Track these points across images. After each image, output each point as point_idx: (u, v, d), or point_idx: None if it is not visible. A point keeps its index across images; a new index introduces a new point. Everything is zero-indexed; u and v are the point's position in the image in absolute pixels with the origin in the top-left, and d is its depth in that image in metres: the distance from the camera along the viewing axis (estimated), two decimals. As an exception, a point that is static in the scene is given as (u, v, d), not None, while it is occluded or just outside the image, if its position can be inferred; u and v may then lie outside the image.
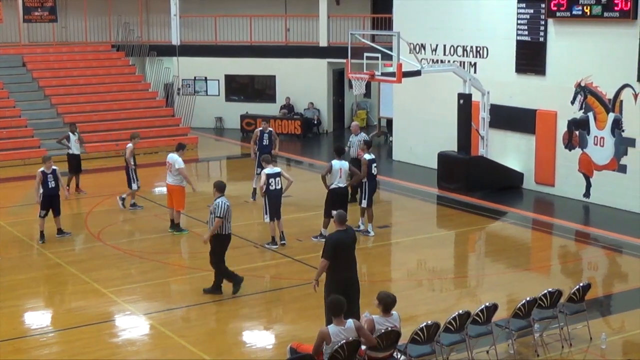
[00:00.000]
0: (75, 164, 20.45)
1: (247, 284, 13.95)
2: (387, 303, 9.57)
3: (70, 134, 20.51)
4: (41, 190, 16.25)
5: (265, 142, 19.58)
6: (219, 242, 13.22)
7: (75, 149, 20.43)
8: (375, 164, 16.75)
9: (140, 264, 15.09)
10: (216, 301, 13.04)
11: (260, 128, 19.85)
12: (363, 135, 18.92)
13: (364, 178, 16.54)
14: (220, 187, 13.39)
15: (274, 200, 15.67)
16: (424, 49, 23.29)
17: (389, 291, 10.11)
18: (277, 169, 15.82)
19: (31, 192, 22.19)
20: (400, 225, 18.01)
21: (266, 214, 15.79)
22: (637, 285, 14.05)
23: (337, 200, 16.00)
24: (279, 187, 15.70)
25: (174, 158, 16.77)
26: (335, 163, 16.05)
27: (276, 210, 15.75)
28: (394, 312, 9.65)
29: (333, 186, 16.03)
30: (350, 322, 9.39)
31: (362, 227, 16.77)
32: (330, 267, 10.84)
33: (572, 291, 11.23)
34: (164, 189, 17.74)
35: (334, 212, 11.41)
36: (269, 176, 15.55)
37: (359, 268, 14.97)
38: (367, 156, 16.63)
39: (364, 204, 16.71)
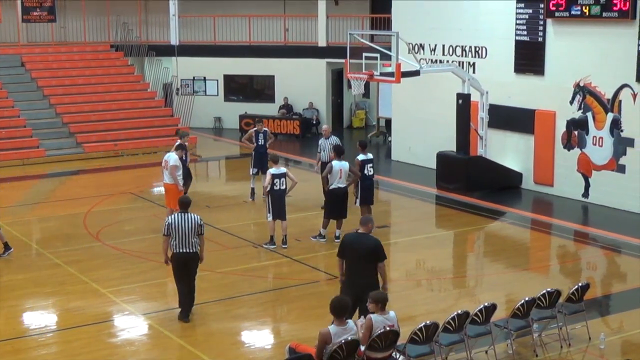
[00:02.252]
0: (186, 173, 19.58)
1: (246, 284, 13.98)
2: (380, 300, 9.49)
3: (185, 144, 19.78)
4: None
5: (261, 141, 19.61)
6: (172, 262, 12.16)
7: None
8: (370, 165, 16.71)
9: (139, 264, 15.08)
10: (215, 301, 13.03)
11: (255, 128, 19.86)
12: (334, 139, 18.37)
13: (356, 178, 16.58)
14: (179, 202, 12.29)
15: (277, 200, 15.66)
16: (423, 49, 23.30)
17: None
18: (282, 169, 15.81)
19: (30, 192, 22.32)
20: (399, 225, 18.00)
21: (269, 212, 15.78)
22: (636, 285, 14.05)
23: (336, 200, 16.02)
24: (283, 187, 15.68)
25: (171, 157, 16.76)
26: (336, 164, 16.05)
27: (279, 211, 15.72)
28: (391, 311, 9.64)
29: (333, 186, 16.03)
30: (351, 322, 9.40)
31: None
32: (346, 271, 10.89)
33: (571, 291, 11.23)
34: (163, 189, 17.73)
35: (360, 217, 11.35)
36: (274, 176, 15.55)
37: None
38: (360, 156, 16.63)
39: (357, 203, 16.74)
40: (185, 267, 12.11)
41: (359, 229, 11.12)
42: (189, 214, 12.05)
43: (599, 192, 19.05)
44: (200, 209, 18.15)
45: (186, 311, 12.26)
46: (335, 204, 16.12)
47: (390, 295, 10.15)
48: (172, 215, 12.12)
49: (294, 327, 12.21)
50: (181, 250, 11.96)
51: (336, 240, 16.14)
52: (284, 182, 15.68)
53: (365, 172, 16.59)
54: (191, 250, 12.01)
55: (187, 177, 18.45)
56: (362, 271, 10.74)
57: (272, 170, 15.67)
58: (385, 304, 9.55)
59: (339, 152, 16.35)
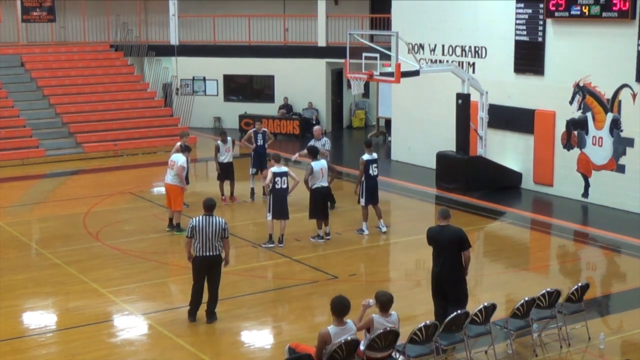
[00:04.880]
0: (224, 172, 19.27)
1: (246, 284, 13.98)
2: (382, 302, 9.57)
3: (221, 143, 19.22)
4: None
5: (260, 142, 19.69)
6: (192, 264, 12.01)
7: (225, 157, 19.21)
8: (375, 165, 16.74)
9: (139, 264, 15.08)
10: (214, 301, 13.03)
11: (254, 129, 19.93)
12: (325, 140, 18.55)
13: (360, 178, 16.64)
14: (204, 205, 12.05)
15: (279, 199, 15.67)
16: (423, 49, 23.30)
17: (387, 291, 10.10)
18: (284, 169, 15.82)
19: (30, 192, 22.31)
20: (398, 225, 18.00)
21: (269, 211, 15.78)
22: (636, 285, 14.04)
23: (319, 199, 16.07)
24: (284, 186, 15.70)
25: (178, 157, 16.78)
26: (315, 164, 16.06)
27: (281, 210, 15.74)
28: (393, 312, 9.65)
29: (316, 186, 16.07)
30: (350, 322, 9.40)
31: (378, 227, 16.93)
32: (433, 261, 11.30)
33: (571, 291, 11.23)
34: (163, 189, 17.73)
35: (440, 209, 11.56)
36: (275, 175, 15.57)
37: (358, 268, 15.09)
38: (365, 156, 16.65)
39: (362, 202, 16.76)
40: (208, 270, 11.92)
41: (440, 223, 11.34)
42: (214, 217, 11.86)
43: (598, 192, 19.05)
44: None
45: (196, 311, 12.13)
46: (318, 203, 16.13)
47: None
48: (197, 218, 11.87)
49: (293, 327, 12.20)
50: (204, 254, 11.78)
51: (327, 237, 16.18)
52: (286, 181, 15.70)
53: (370, 172, 16.62)
54: (214, 254, 11.83)
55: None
56: (447, 262, 11.11)
57: (274, 168, 15.68)
58: (386, 305, 9.56)
59: (314, 153, 16.39)
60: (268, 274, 14.87)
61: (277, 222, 15.86)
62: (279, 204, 15.70)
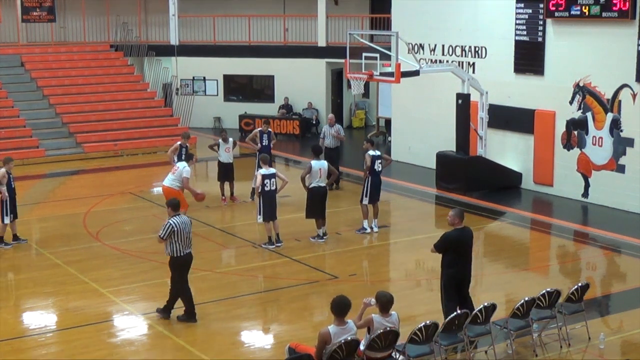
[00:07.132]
0: (223, 172, 19.41)
1: (245, 284, 13.98)
2: (382, 302, 9.58)
3: (221, 141, 19.38)
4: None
5: (265, 142, 19.69)
6: (174, 265, 12.05)
7: (224, 157, 19.34)
8: (380, 161, 16.79)
9: (139, 264, 15.08)
10: (214, 301, 13.02)
11: (260, 129, 19.93)
12: (338, 127, 19.89)
13: (366, 173, 16.73)
14: (170, 204, 12.13)
15: (269, 201, 15.69)
16: (423, 48, 23.30)
17: (387, 291, 10.10)
18: (272, 170, 15.85)
19: (30, 192, 22.30)
20: (399, 225, 18.00)
21: (259, 214, 15.83)
22: (636, 285, 14.05)
23: (317, 199, 16.06)
24: (274, 187, 15.72)
25: (183, 165, 16.70)
26: (315, 163, 16.03)
27: (272, 211, 15.77)
28: (393, 312, 9.66)
29: (313, 185, 16.05)
30: (350, 322, 9.41)
31: (371, 227, 16.96)
32: (449, 264, 11.24)
33: (571, 291, 11.23)
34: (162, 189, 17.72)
35: (452, 211, 11.54)
36: (264, 177, 15.59)
37: (358, 268, 15.11)
38: (371, 152, 16.70)
39: (365, 200, 16.77)
40: (187, 267, 12.09)
41: (457, 226, 11.37)
42: (183, 216, 12.07)
43: (598, 192, 19.05)
44: (200, 209, 18.19)
45: (194, 309, 12.18)
46: (315, 202, 16.12)
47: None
48: (173, 221, 11.84)
49: (293, 327, 12.20)
50: (185, 252, 11.92)
51: (325, 237, 16.17)
52: (274, 183, 15.73)
53: (375, 167, 16.71)
54: (191, 249, 12.07)
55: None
56: (467, 261, 11.35)
57: (262, 171, 15.72)
58: (386, 306, 9.57)
59: (317, 152, 16.39)
60: (268, 274, 14.86)
61: (271, 223, 15.87)
62: (269, 206, 15.71)
